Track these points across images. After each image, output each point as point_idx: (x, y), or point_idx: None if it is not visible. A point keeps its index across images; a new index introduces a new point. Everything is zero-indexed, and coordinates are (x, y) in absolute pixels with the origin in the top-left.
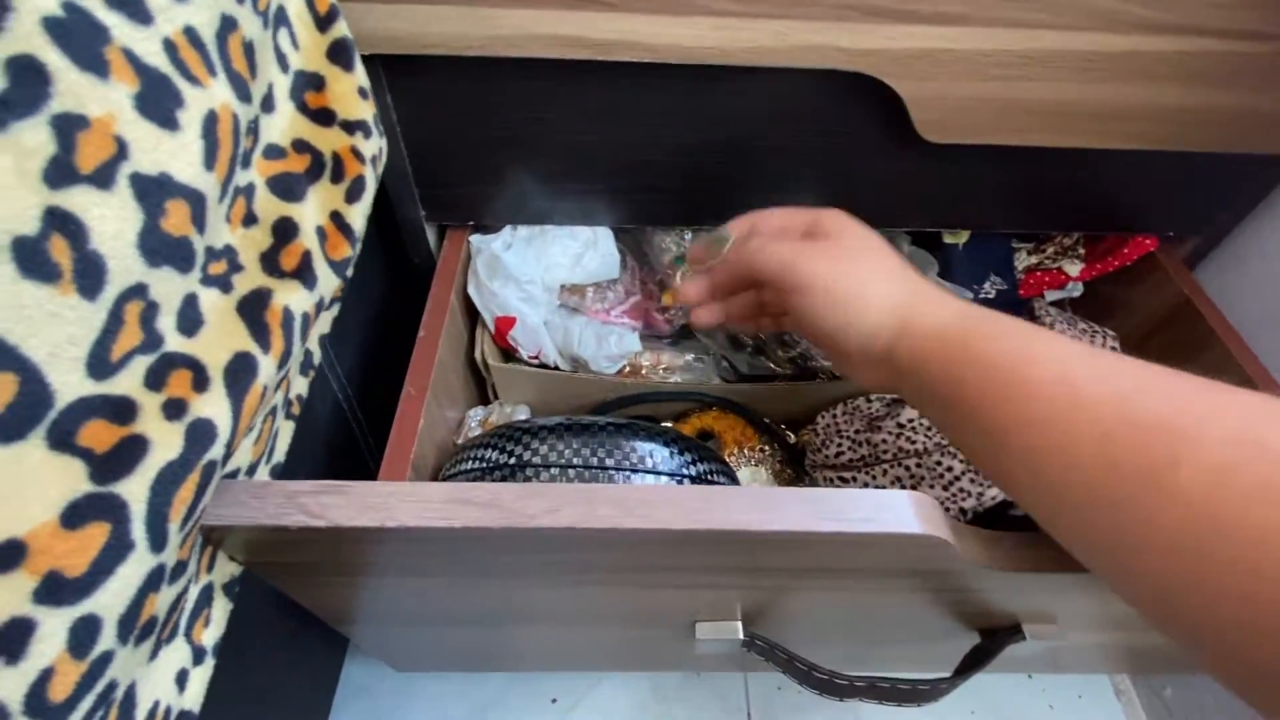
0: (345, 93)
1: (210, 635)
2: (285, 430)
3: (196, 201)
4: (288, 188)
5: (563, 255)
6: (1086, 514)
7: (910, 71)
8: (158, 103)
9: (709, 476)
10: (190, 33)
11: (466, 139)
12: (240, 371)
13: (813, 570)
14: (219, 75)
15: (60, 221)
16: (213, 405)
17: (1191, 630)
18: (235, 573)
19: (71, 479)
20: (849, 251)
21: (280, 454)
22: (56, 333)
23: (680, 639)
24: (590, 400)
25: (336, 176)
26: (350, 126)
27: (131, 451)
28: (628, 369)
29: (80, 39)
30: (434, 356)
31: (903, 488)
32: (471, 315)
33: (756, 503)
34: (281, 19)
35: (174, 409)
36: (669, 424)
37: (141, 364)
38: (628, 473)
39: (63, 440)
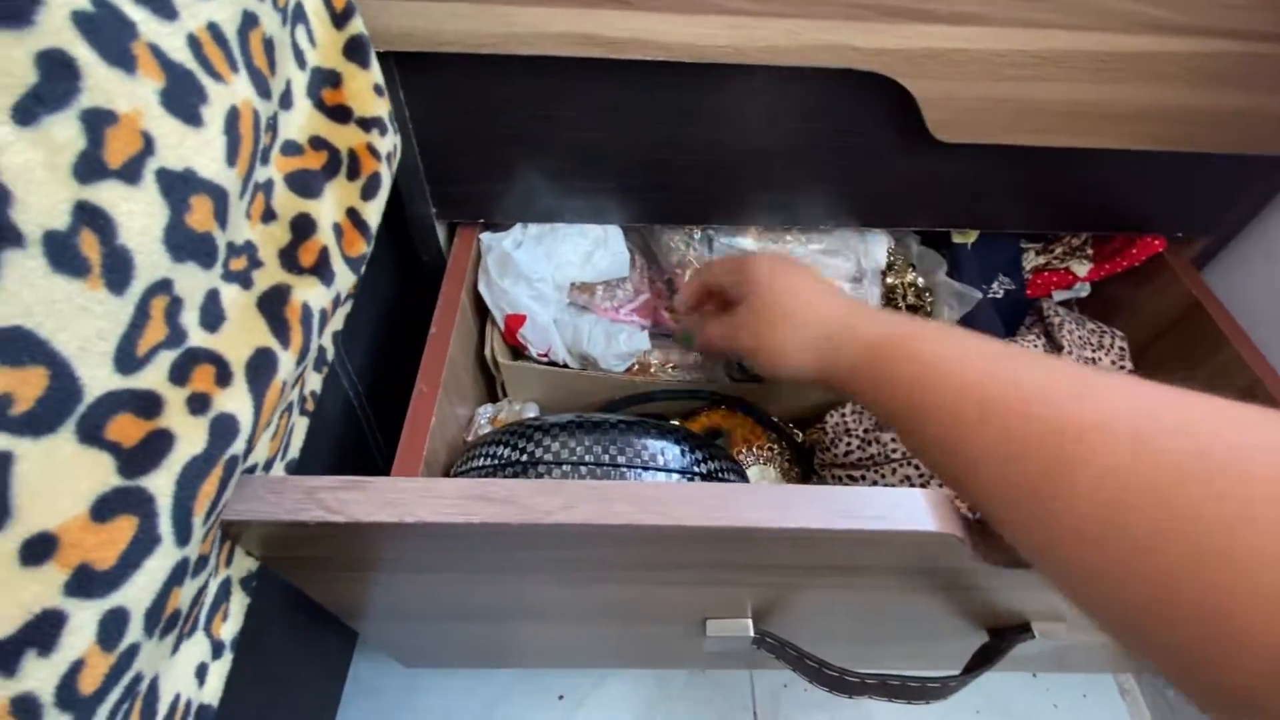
0: (361, 90)
1: (229, 630)
2: (300, 426)
3: (219, 197)
4: (305, 184)
5: (573, 253)
6: (994, 504)
7: (923, 71)
8: (183, 98)
9: (719, 474)
10: (214, 29)
11: (478, 136)
12: (261, 367)
13: (824, 568)
14: (241, 71)
15: (90, 216)
16: (235, 400)
17: (1101, 618)
18: (252, 568)
19: (101, 472)
20: (765, 317)
21: (295, 450)
22: (86, 327)
23: (690, 636)
24: (599, 398)
25: (353, 173)
26: (366, 123)
27: (158, 446)
28: (636, 367)
29: (108, 34)
30: (445, 354)
31: (912, 486)
32: (481, 313)
33: (772, 500)
34: (299, 16)
35: (198, 404)
36: (678, 422)
37: (166, 359)
38: (639, 470)
39: (92, 434)
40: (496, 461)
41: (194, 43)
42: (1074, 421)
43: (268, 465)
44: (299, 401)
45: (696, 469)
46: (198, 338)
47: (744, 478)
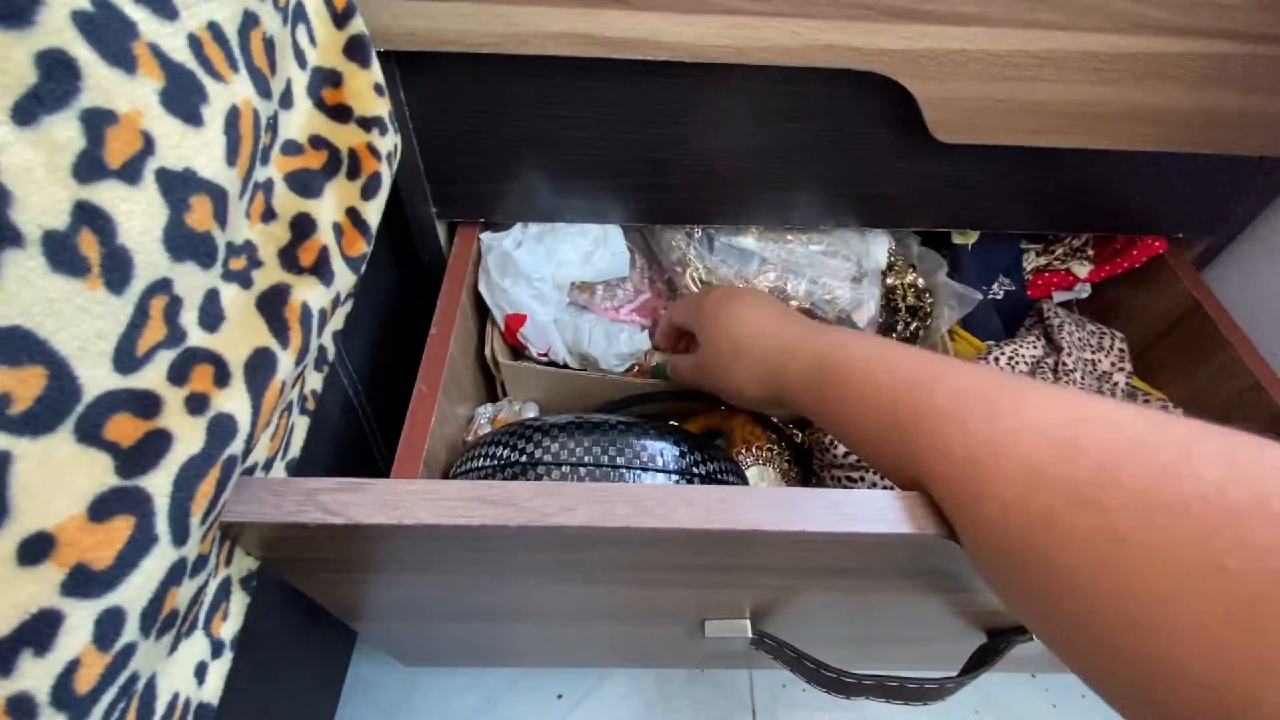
0: (362, 89)
1: (228, 629)
2: (300, 426)
3: (219, 197)
4: (305, 184)
5: (573, 253)
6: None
7: (924, 71)
8: (183, 98)
9: (718, 475)
10: (214, 28)
11: (478, 136)
12: (260, 367)
13: (823, 570)
14: (241, 71)
15: (89, 216)
16: (233, 400)
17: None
18: (252, 567)
19: (99, 472)
20: (720, 357)
21: (295, 450)
22: (85, 326)
23: (689, 636)
24: (599, 398)
25: (353, 173)
26: (366, 123)
27: (156, 446)
28: (636, 368)
29: (109, 34)
30: (446, 354)
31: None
32: (481, 313)
33: (772, 503)
34: (300, 15)
35: (196, 404)
36: (677, 423)
37: (165, 358)
38: (638, 471)
39: (90, 433)
40: (495, 462)
41: (194, 42)
42: (983, 444)
43: (268, 465)
44: (299, 401)
45: (695, 470)
46: (197, 337)
47: (743, 479)
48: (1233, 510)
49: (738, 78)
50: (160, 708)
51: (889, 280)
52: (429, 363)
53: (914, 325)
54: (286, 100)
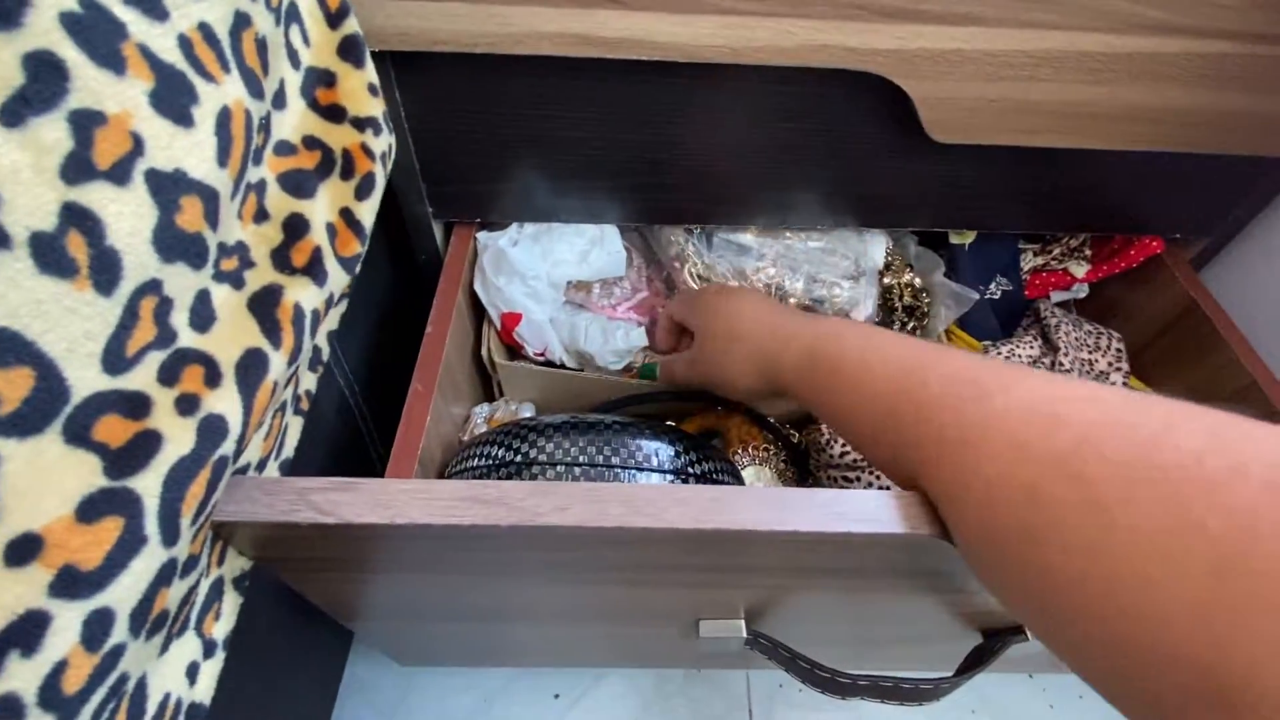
0: (355, 89)
1: (221, 629)
2: (295, 426)
3: (210, 198)
4: (298, 184)
5: (569, 252)
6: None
7: (919, 71)
8: (173, 99)
9: (713, 475)
10: (205, 29)
11: (474, 136)
12: (251, 367)
13: (817, 570)
14: (232, 72)
15: (77, 217)
16: (224, 401)
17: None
18: (245, 567)
19: (87, 473)
20: (716, 346)
21: (290, 449)
22: (73, 328)
23: (683, 637)
24: (596, 399)
25: (347, 173)
26: (360, 123)
27: (145, 446)
28: (634, 369)
29: (97, 35)
30: (441, 353)
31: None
32: (478, 312)
33: (764, 503)
34: (293, 15)
35: (186, 404)
36: (673, 423)
37: (155, 359)
38: (633, 471)
39: (78, 435)
40: (490, 462)
41: (185, 43)
42: (973, 425)
43: (261, 465)
44: (293, 401)
45: (690, 470)
46: (187, 338)
47: (739, 479)
48: (1211, 478)
49: (733, 78)
50: (151, 708)
51: (886, 280)
52: (424, 362)
53: (911, 325)
54: (279, 101)
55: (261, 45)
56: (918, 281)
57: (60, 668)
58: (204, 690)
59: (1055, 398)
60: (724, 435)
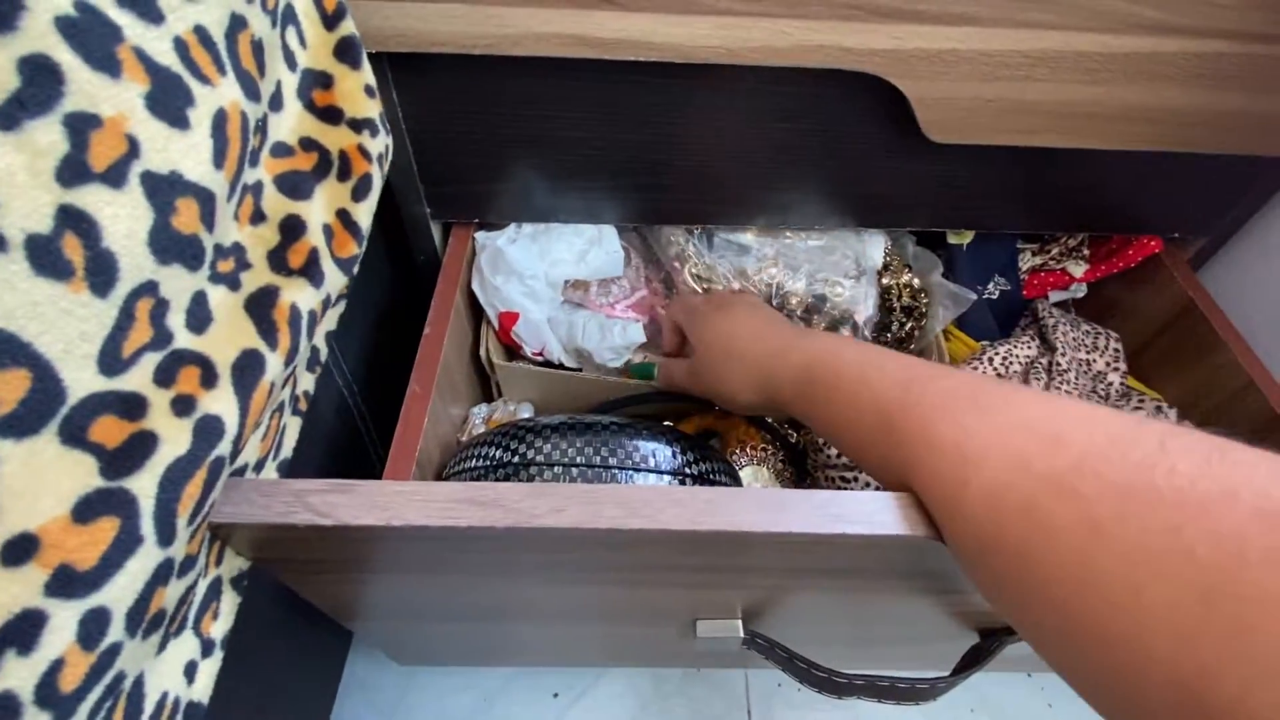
0: (352, 91)
1: (219, 628)
2: (292, 427)
3: (206, 200)
4: (295, 186)
5: (567, 251)
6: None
7: (916, 72)
8: (169, 102)
9: (711, 476)
10: (200, 32)
11: (472, 137)
12: (248, 369)
13: (814, 570)
14: (228, 74)
15: (73, 220)
16: (221, 402)
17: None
18: (243, 567)
19: (83, 474)
20: (715, 360)
21: (288, 450)
22: (69, 329)
23: (681, 637)
24: (594, 399)
25: (343, 174)
26: (357, 124)
27: (141, 447)
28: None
29: (92, 38)
30: (439, 354)
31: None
32: (476, 313)
33: (760, 504)
34: (290, 17)
35: (183, 405)
36: (671, 423)
37: (151, 361)
38: (630, 472)
39: (74, 436)
40: (488, 463)
41: (180, 46)
42: (973, 438)
43: (259, 466)
44: (291, 401)
45: (688, 471)
46: (184, 340)
47: (737, 479)
48: (1203, 501)
49: (730, 78)
50: (149, 706)
51: (884, 280)
52: (422, 363)
53: (909, 325)
54: (276, 102)
55: (257, 47)
56: (916, 282)
57: (57, 666)
58: (202, 689)
59: (1055, 416)
60: (722, 435)
